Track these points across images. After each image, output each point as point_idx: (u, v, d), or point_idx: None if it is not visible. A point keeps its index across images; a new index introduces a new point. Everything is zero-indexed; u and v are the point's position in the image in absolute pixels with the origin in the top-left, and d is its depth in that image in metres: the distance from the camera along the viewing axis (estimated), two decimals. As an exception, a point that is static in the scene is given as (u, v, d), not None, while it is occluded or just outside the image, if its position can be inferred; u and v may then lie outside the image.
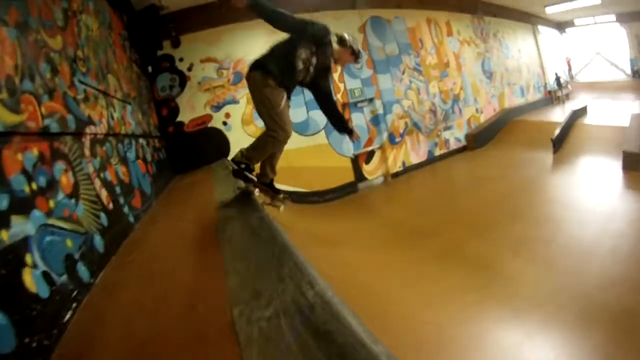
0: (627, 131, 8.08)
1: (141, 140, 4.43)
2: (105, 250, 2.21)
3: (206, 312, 1.38)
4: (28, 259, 1.45)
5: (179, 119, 6.86)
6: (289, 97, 2.69)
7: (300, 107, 7.69)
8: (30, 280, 1.41)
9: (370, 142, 8.81)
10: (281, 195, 3.12)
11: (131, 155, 3.73)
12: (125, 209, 2.94)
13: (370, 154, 8.84)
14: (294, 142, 7.39)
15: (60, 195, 1.90)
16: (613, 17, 15.05)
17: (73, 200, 2.03)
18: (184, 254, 2.16)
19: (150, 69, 6.59)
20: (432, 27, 10.67)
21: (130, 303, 1.65)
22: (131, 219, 2.99)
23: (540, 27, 15.80)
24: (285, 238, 1.93)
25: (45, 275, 1.52)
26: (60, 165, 2.02)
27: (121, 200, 2.91)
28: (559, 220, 5.44)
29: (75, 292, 1.69)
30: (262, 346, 1.06)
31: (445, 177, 9.02)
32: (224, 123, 7.12)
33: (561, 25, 17.25)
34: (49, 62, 2.31)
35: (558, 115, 11.57)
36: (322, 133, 8.04)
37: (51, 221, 1.72)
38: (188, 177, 5.78)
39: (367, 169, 8.72)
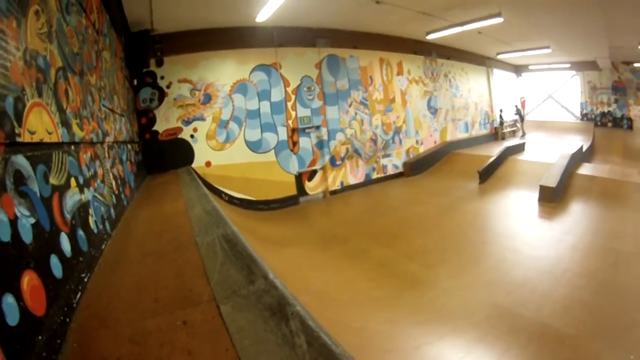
0: (551, 168, 9.21)
1: (129, 146, 5.71)
2: (115, 217, 3.55)
3: (183, 240, 2.77)
4: (91, 211, 2.77)
5: (155, 127, 8.11)
6: None
7: (256, 129, 9.18)
8: (92, 222, 2.73)
9: (313, 162, 10.28)
10: None
11: (124, 157, 5.03)
12: (122, 195, 4.25)
13: (313, 173, 10.30)
14: (247, 157, 8.98)
15: (98, 181, 3.23)
16: (567, 64, 16.90)
17: (102, 184, 3.35)
18: (166, 222, 3.53)
19: (135, 82, 7.80)
20: (383, 66, 12.09)
21: (139, 241, 3.04)
22: (125, 203, 4.29)
23: (495, 70, 17.44)
24: (222, 215, 3.41)
25: (96, 222, 2.85)
26: (97, 162, 3.34)
27: (120, 188, 4.23)
28: (460, 236, 6.68)
29: (105, 235, 3.01)
30: (207, 250, 2.48)
31: (377, 198, 10.33)
32: (192, 136, 8.44)
33: (518, 69, 19.09)
34: (91, 95, 3.62)
35: (497, 150, 12.30)
36: (272, 152, 9.51)
37: (96, 195, 3.05)
38: (159, 178, 7.00)
39: (309, 185, 10.17)
